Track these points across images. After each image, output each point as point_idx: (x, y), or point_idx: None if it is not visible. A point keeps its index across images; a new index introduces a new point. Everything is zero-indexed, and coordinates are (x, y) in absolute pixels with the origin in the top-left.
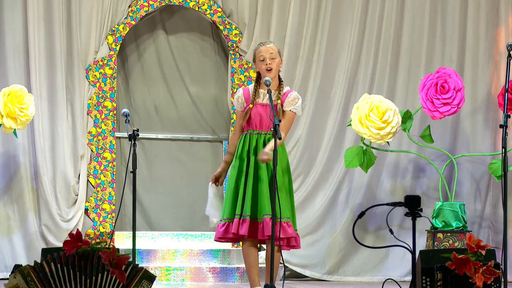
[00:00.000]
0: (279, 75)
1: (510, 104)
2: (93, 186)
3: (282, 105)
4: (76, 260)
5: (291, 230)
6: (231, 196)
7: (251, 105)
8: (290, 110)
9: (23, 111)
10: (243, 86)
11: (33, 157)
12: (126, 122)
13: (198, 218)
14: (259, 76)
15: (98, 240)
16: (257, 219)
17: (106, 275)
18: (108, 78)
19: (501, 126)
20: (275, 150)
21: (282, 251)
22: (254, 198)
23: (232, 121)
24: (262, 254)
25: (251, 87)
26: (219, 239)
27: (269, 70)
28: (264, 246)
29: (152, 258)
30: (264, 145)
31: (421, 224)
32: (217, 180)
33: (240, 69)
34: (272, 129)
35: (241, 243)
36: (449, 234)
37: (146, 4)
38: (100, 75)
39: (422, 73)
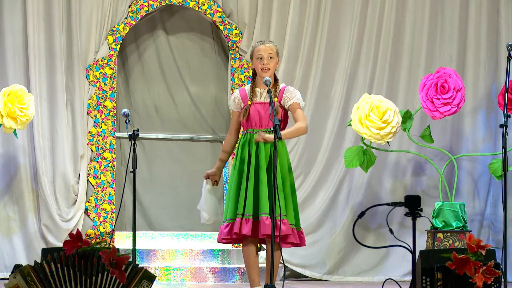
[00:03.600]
0: (274, 74)
1: (510, 104)
2: (93, 186)
3: (280, 103)
4: (76, 260)
5: (285, 227)
6: (233, 197)
7: (249, 102)
8: (293, 103)
9: (23, 111)
10: (243, 86)
11: (33, 158)
12: (126, 122)
13: (198, 218)
14: (254, 74)
15: (98, 240)
16: (258, 218)
17: (106, 275)
18: (108, 78)
19: (501, 126)
20: (275, 151)
21: (283, 250)
22: (255, 197)
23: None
24: (262, 254)
25: (247, 87)
26: (222, 240)
27: (266, 70)
28: (264, 246)
29: (152, 258)
30: (264, 144)
31: (421, 224)
32: (208, 177)
33: (240, 69)
34: (272, 129)
35: (241, 243)
36: (449, 234)
37: (146, 4)
38: (100, 75)
39: (422, 73)
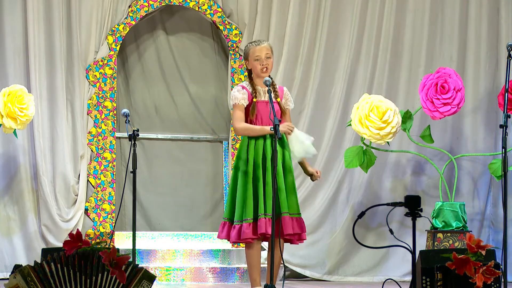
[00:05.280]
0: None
1: (510, 104)
2: (93, 186)
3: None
4: (76, 260)
5: (302, 225)
6: (250, 196)
7: (255, 99)
8: (291, 108)
9: (23, 111)
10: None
11: (33, 158)
12: (126, 122)
13: (198, 218)
14: (250, 73)
15: (98, 240)
16: (277, 217)
17: (106, 275)
18: (108, 78)
19: (501, 126)
20: (274, 151)
21: (283, 250)
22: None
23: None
24: (263, 254)
25: (246, 84)
26: (244, 240)
27: (265, 70)
28: (263, 246)
29: (152, 258)
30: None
31: (421, 224)
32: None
33: (240, 69)
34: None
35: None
36: (449, 234)
37: (146, 4)
38: (100, 75)
39: (422, 73)
